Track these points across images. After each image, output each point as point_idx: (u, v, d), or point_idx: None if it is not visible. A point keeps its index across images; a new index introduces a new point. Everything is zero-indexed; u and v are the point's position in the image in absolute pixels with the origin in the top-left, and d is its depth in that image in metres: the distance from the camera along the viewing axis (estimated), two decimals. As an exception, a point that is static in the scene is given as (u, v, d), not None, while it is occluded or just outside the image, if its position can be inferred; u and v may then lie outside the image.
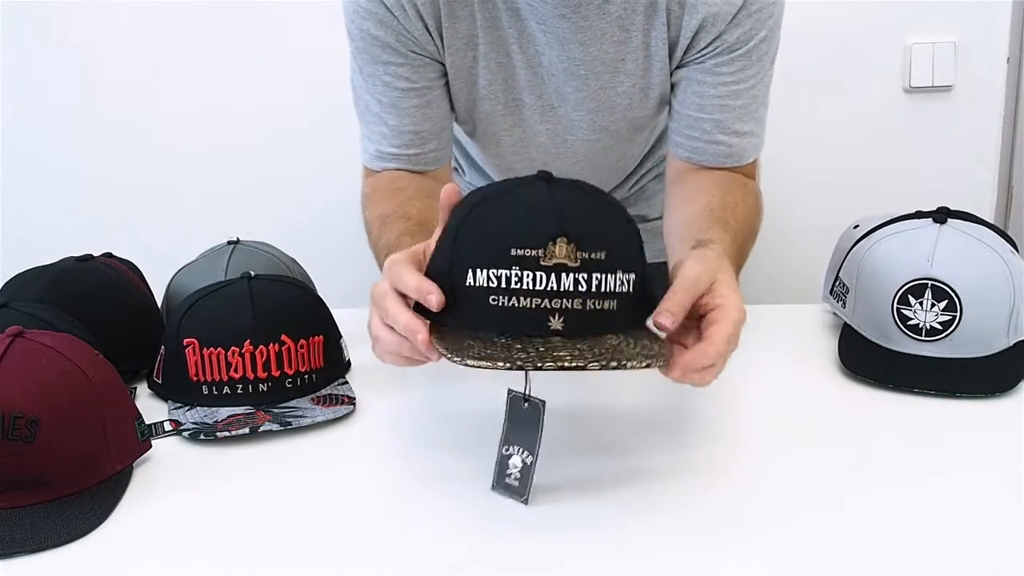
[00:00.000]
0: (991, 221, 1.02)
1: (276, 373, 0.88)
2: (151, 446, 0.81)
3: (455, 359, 0.64)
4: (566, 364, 0.63)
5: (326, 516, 0.72)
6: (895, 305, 0.90)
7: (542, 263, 0.65)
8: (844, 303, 0.97)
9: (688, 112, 1.00)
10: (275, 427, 0.83)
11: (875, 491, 0.72)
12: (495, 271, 0.65)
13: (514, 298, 0.65)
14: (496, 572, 0.65)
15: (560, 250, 0.65)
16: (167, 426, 0.86)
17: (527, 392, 0.70)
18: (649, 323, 0.69)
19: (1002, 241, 0.92)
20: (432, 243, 0.72)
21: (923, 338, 0.89)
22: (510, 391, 0.71)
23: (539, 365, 0.63)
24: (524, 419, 0.71)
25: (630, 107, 1.03)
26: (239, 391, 0.87)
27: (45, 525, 0.69)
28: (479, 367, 0.63)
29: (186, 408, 0.88)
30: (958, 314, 0.87)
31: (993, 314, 0.88)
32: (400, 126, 1.02)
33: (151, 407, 0.90)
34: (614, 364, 0.63)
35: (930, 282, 0.88)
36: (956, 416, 0.84)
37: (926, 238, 0.90)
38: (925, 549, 0.65)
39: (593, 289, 0.66)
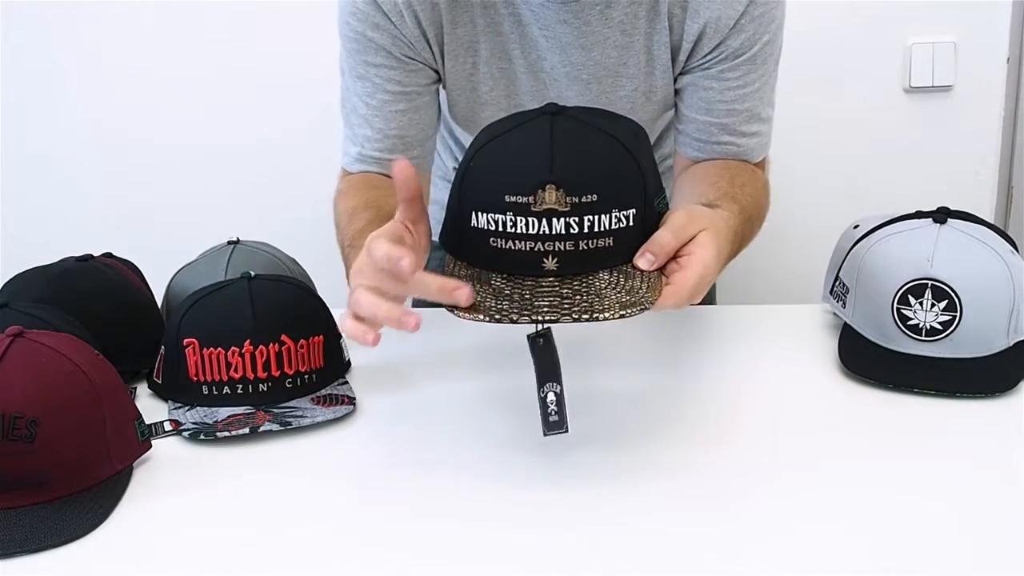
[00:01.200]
0: (991, 221, 1.02)
1: (276, 373, 0.88)
2: (151, 446, 0.81)
3: (449, 309, 0.69)
4: (540, 317, 0.66)
5: (326, 516, 0.72)
6: (895, 305, 0.90)
7: (533, 209, 0.68)
8: (844, 303, 0.97)
9: (695, 116, 1.01)
10: (275, 427, 0.83)
11: (875, 491, 0.72)
12: (492, 215, 0.70)
13: (511, 241, 0.69)
14: (498, 569, 0.65)
15: (549, 196, 0.68)
16: (167, 426, 0.86)
17: (538, 328, 0.74)
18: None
19: (1002, 241, 0.92)
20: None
21: (923, 338, 0.89)
22: (528, 336, 0.74)
23: (514, 319, 0.67)
24: (545, 355, 0.74)
25: (632, 111, 1.03)
26: (239, 391, 0.87)
27: (45, 525, 0.69)
28: (463, 317, 0.68)
29: (186, 408, 0.88)
30: (958, 314, 0.87)
31: (993, 314, 0.88)
32: (386, 130, 1.01)
33: (151, 407, 0.90)
34: (586, 317, 0.66)
35: (930, 282, 0.88)
36: (956, 416, 0.84)
37: (926, 238, 0.90)
38: (925, 549, 0.65)
39: (586, 230, 0.69)
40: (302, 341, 0.89)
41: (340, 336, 0.96)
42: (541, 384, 0.75)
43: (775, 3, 0.96)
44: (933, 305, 0.88)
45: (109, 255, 1.06)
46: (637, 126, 0.77)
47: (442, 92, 1.05)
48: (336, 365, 0.94)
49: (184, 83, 1.85)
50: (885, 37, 1.78)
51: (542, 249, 0.69)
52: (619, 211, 0.69)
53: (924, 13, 1.76)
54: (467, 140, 1.17)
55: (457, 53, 0.99)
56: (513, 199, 0.68)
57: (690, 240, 0.72)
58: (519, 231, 0.69)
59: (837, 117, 1.82)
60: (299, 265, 1.13)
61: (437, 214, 1.20)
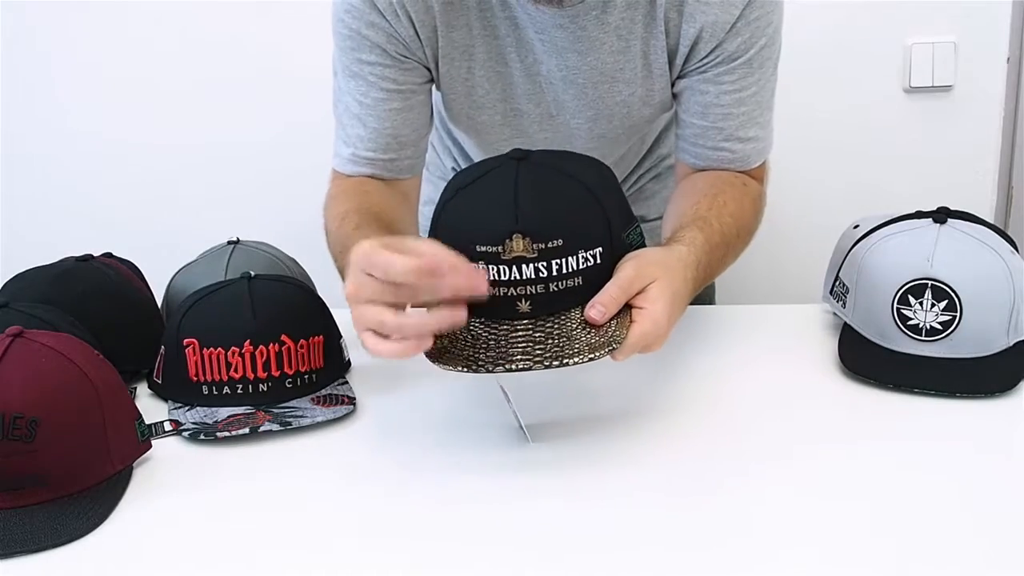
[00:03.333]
0: (991, 221, 1.02)
1: (276, 373, 0.88)
2: (151, 446, 0.81)
3: (429, 359, 0.73)
4: (513, 368, 0.70)
5: (326, 516, 0.72)
6: (895, 305, 0.90)
7: (503, 257, 0.72)
8: (844, 303, 0.97)
9: (692, 120, 1.00)
10: (275, 427, 0.83)
11: (875, 491, 0.72)
12: None
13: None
14: (498, 566, 0.65)
15: (517, 245, 0.71)
16: (167, 426, 0.86)
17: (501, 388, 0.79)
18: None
19: (1002, 241, 0.92)
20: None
21: (923, 338, 0.89)
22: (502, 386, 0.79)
23: (490, 369, 0.70)
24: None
25: (629, 115, 1.03)
26: (239, 391, 0.87)
27: (45, 525, 0.69)
28: (443, 368, 0.72)
29: (186, 408, 0.88)
30: (958, 314, 0.87)
31: (993, 314, 0.88)
32: (380, 128, 1.01)
33: (151, 407, 0.90)
34: (556, 364, 0.69)
35: (930, 282, 0.88)
36: (956, 416, 0.83)
37: (926, 238, 0.90)
38: (925, 548, 0.65)
39: (555, 273, 0.72)
40: (302, 341, 0.89)
41: (340, 336, 0.96)
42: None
43: (772, 7, 0.95)
44: (933, 305, 0.88)
45: (109, 255, 1.06)
46: (602, 166, 0.80)
47: (436, 93, 1.05)
48: (336, 365, 0.94)
49: (184, 83, 1.85)
50: (885, 37, 1.78)
51: (515, 293, 0.72)
52: (586, 251, 0.73)
53: (924, 13, 1.76)
54: (465, 141, 1.17)
55: (452, 56, 0.99)
56: (483, 249, 0.72)
57: (642, 291, 0.74)
58: (492, 278, 0.72)
59: (837, 117, 1.82)
60: (299, 265, 1.13)
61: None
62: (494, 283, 0.72)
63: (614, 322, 0.72)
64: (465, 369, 0.71)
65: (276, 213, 1.81)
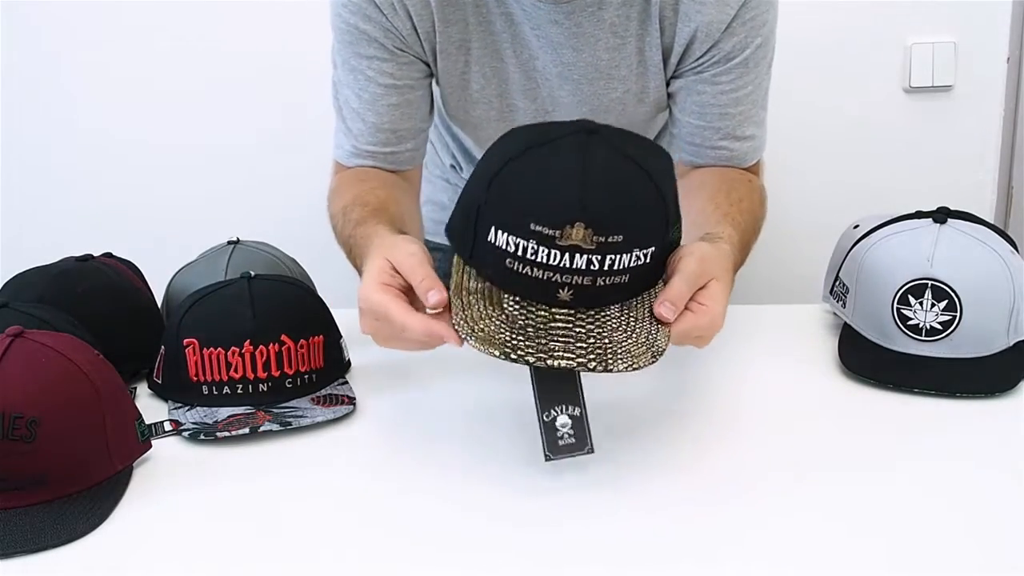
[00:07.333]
0: (991, 221, 1.02)
1: (276, 373, 0.88)
2: (151, 446, 0.81)
3: (460, 333, 0.68)
4: (554, 363, 0.66)
5: (326, 516, 0.72)
6: (895, 305, 0.90)
7: (558, 242, 0.67)
8: (844, 303, 0.97)
9: (689, 120, 1.00)
10: (275, 427, 0.83)
11: (875, 492, 0.72)
12: (514, 238, 0.68)
13: (528, 267, 0.68)
14: (497, 567, 0.65)
15: (577, 233, 0.67)
16: (167, 426, 0.86)
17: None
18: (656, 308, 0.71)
19: (1002, 241, 0.92)
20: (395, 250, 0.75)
21: (923, 338, 0.89)
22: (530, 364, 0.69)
23: (529, 361, 0.65)
24: (555, 377, 0.71)
25: (624, 112, 1.03)
26: (239, 391, 0.87)
27: (45, 525, 0.69)
28: (478, 350, 0.67)
29: (186, 408, 0.88)
30: (958, 314, 0.87)
31: (993, 314, 0.88)
32: (379, 123, 1.01)
33: (151, 407, 0.90)
34: (600, 368, 0.66)
35: (930, 282, 0.88)
36: (956, 416, 0.84)
37: (926, 238, 0.90)
38: (926, 548, 0.65)
39: (606, 268, 0.68)
40: (302, 341, 0.89)
41: (340, 336, 0.96)
42: (547, 408, 0.71)
43: (767, 7, 0.95)
44: (933, 305, 0.88)
45: (109, 255, 1.06)
46: (669, 158, 0.76)
47: (436, 88, 1.05)
48: (336, 365, 0.94)
49: (184, 83, 1.85)
50: (885, 37, 1.78)
51: (559, 280, 0.68)
52: (640, 250, 0.69)
53: (924, 13, 1.77)
54: (465, 138, 1.17)
55: (449, 52, 0.99)
56: (539, 228, 0.67)
57: (704, 288, 0.73)
58: (540, 260, 0.68)
59: (837, 117, 1.82)
60: (299, 265, 1.13)
61: (434, 214, 1.20)
62: (540, 266, 0.68)
63: (655, 329, 0.70)
64: (502, 356, 0.66)
65: (276, 213, 1.81)
